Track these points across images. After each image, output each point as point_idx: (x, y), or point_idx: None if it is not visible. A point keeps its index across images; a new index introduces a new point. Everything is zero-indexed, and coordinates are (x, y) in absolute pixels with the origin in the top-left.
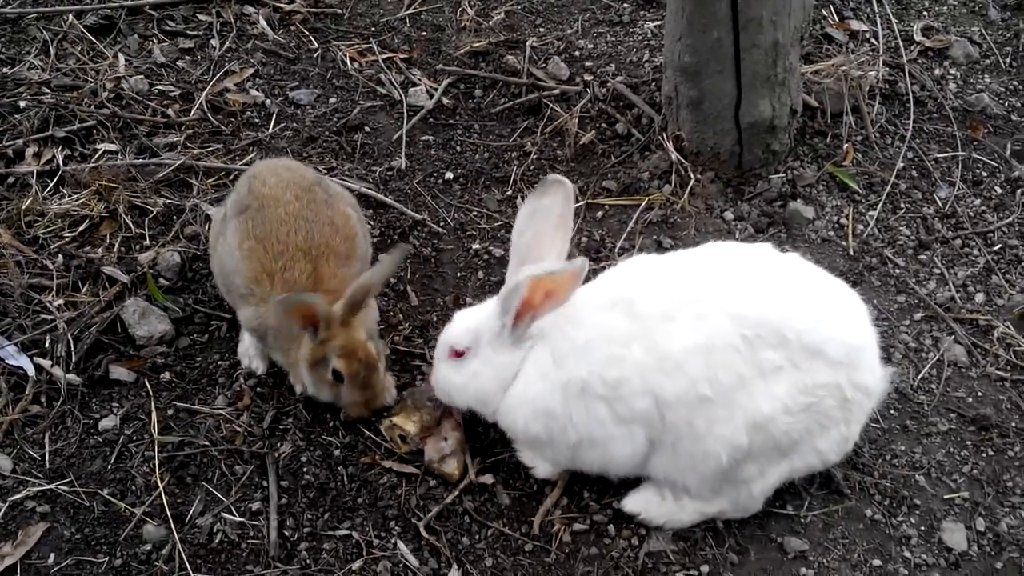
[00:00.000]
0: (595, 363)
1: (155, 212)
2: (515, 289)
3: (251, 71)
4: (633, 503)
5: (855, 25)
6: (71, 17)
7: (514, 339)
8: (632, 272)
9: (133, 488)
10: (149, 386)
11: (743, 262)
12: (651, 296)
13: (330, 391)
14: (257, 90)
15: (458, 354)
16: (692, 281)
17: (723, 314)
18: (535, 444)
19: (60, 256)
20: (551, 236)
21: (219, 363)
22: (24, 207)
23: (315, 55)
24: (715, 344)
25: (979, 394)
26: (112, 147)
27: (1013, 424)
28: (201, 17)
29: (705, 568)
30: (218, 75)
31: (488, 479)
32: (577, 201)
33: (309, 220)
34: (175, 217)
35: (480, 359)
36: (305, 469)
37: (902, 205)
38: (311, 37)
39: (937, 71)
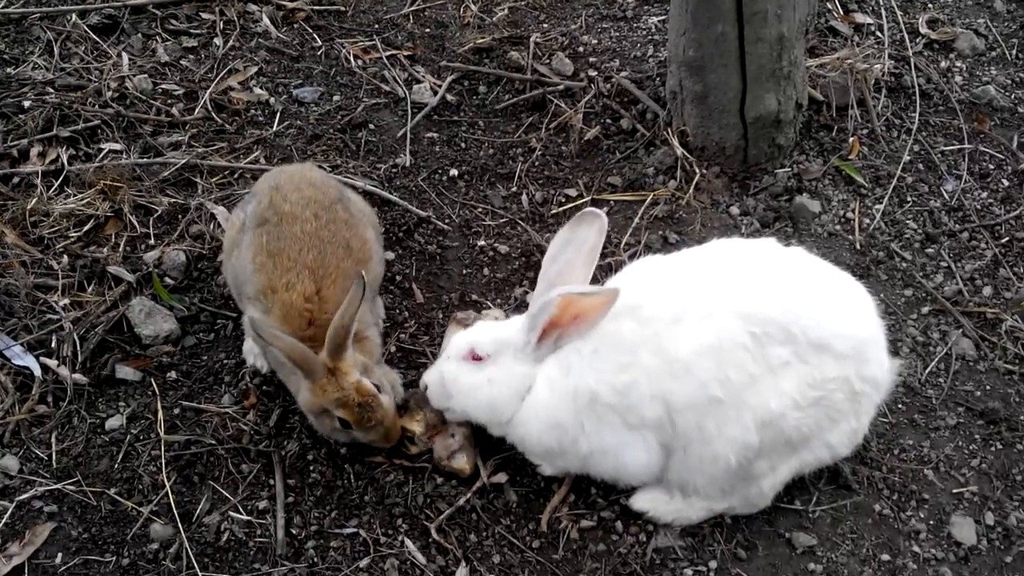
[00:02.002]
0: (604, 371)
1: (160, 211)
2: (545, 305)
3: (255, 69)
4: (641, 501)
5: (860, 18)
6: (74, 17)
7: (536, 357)
8: (638, 276)
9: (140, 487)
10: (155, 385)
11: (748, 258)
12: (658, 300)
13: (346, 435)
14: (261, 88)
15: (476, 358)
16: (698, 281)
17: (730, 313)
18: (547, 456)
19: (65, 256)
20: (580, 266)
21: (225, 362)
22: (29, 207)
23: (319, 53)
24: (724, 344)
25: (987, 388)
26: (116, 146)
27: (1022, 417)
28: (204, 16)
29: (713, 564)
30: (222, 74)
31: (502, 478)
32: (582, 197)
33: (324, 240)
34: (180, 216)
35: (497, 367)
36: (312, 467)
37: (909, 198)
38: (315, 35)
39: (943, 64)
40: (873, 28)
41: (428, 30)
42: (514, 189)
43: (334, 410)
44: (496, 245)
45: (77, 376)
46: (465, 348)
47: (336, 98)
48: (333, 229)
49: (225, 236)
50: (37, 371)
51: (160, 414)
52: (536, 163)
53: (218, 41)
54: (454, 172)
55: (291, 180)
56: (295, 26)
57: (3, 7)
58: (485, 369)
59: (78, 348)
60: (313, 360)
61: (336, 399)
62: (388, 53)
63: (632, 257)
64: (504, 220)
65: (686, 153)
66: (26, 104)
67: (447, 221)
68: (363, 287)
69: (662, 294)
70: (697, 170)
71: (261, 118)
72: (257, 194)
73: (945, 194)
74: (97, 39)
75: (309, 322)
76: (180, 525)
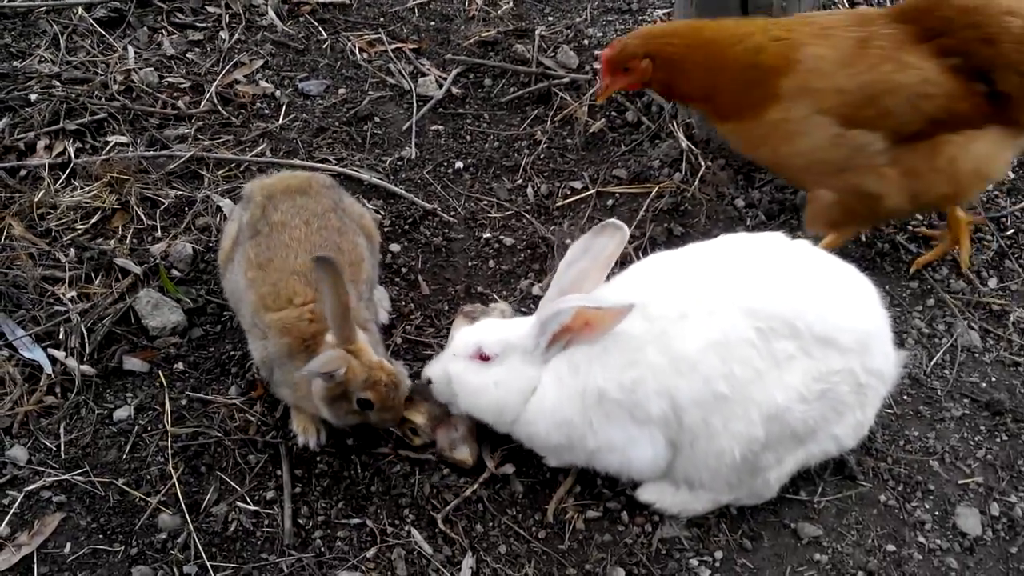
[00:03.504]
0: (611, 369)
1: (166, 204)
2: (558, 315)
3: (260, 62)
4: (647, 493)
5: (864, 10)
6: (80, 10)
7: (544, 359)
8: (645, 274)
9: (148, 478)
10: (162, 376)
11: (753, 254)
12: (664, 297)
13: (357, 417)
14: (267, 81)
15: (483, 358)
16: (704, 278)
17: (736, 309)
18: (554, 451)
19: (73, 248)
20: (595, 272)
21: (232, 353)
22: (36, 200)
23: (324, 46)
24: (729, 340)
25: (993, 379)
26: (123, 139)
27: None
28: (210, 9)
29: (719, 554)
30: (227, 67)
31: (508, 469)
32: (587, 190)
33: (315, 245)
34: (186, 208)
35: (505, 368)
36: (318, 458)
37: None
38: (320, 28)
39: None
40: None
41: (433, 23)
42: (519, 181)
43: (360, 392)
44: (502, 237)
45: (85, 367)
46: (472, 347)
47: (342, 91)
48: (324, 235)
49: (221, 245)
50: (45, 363)
51: (167, 405)
52: (541, 156)
53: (224, 34)
54: (459, 165)
55: (286, 190)
56: (300, 19)
57: (9, 0)
58: (492, 370)
59: (86, 340)
60: (339, 359)
61: (364, 380)
62: (393, 46)
63: (638, 250)
64: (509, 212)
65: (691, 146)
66: (33, 97)
67: (452, 213)
68: (332, 267)
69: (669, 291)
70: (702, 163)
71: (267, 111)
72: (252, 202)
73: None
74: (103, 32)
75: (310, 320)
76: (188, 515)
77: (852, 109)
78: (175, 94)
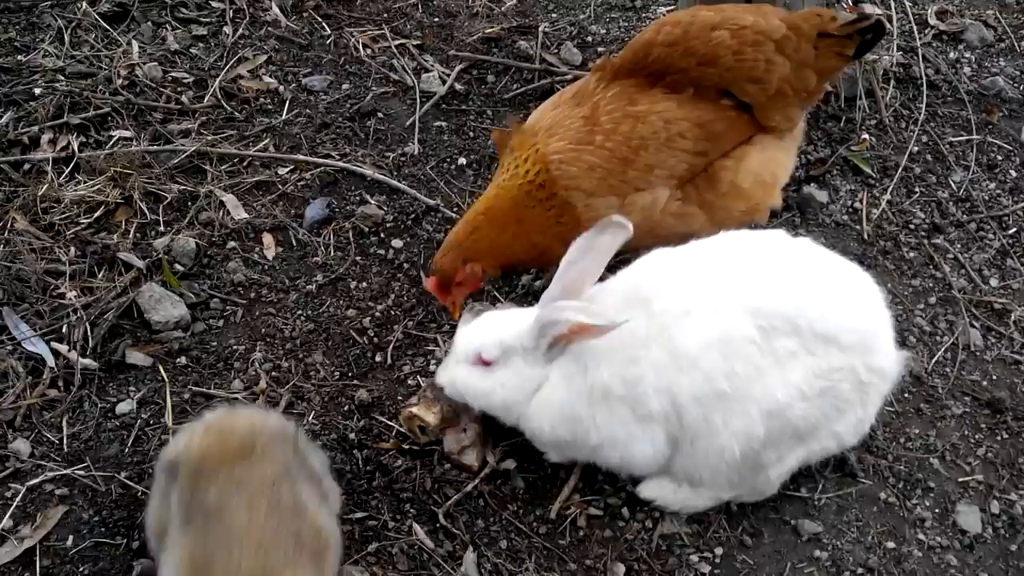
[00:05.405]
0: (615, 365)
1: (170, 198)
2: (555, 324)
3: (264, 58)
4: (649, 489)
5: (869, 9)
6: (85, 4)
7: (547, 358)
8: (648, 270)
9: (150, 471)
10: (165, 371)
11: (755, 251)
12: (667, 294)
13: None
14: (270, 77)
15: (485, 363)
16: (706, 275)
17: (738, 307)
18: (556, 446)
19: (76, 242)
20: (595, 270)
21: (234, 348)
22: (40, 193)
23: (328, 41)
24: (731, 338)
25: (994, 377)
26: (127, 134)
27: None
28: (214, 4)
29: (719, 550)
30: (231, 62)
31: (510, 464)
32: None
33: (266, 538)
34: (190, 203)
35: (509, 370)
36: None
37: (916, 189)
38: (324, 23)
39: (951, 54)
40: (882, 19)
41: (437, 19)
42: None
43: None
44: None
45: (87, 361)
46: (472, 353)
47: (345, 87)
48: (276, 521)
49: (149, 508)
50: (48, 357)
51: (169, 400)
52: None
53: (228, 30)
54: (462, 161)
55: (221, 457)
56: (304, 15)
57: None
58: (495, 374)
59: (88, 334)
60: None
61: None
62: (397, 42)
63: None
64: None
65: None
66: (37, 91)
67: (455, 209)
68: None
69: (672, 288)
70: None
71: (270, 106)
72: (179, 475)
73: (953, 184)
74: (107, 27)
75: None
76: None
77: (616, 179)
78: (179, 89)
